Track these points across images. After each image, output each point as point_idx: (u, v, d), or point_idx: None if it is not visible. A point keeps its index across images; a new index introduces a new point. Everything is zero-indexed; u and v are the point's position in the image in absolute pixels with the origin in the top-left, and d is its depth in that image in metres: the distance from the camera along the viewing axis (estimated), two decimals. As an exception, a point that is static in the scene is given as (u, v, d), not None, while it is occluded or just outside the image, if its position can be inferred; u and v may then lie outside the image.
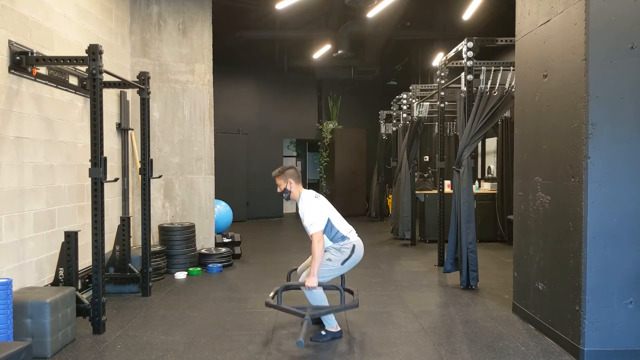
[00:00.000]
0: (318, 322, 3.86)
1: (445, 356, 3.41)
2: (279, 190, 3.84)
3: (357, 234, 3.86)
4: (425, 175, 9.42)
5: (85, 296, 4.13)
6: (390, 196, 10.43)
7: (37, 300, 3.38)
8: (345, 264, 3.71)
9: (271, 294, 3.77)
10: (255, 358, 3.38)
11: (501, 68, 5.32)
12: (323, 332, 3.72)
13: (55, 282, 3.92)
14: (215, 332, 3.90)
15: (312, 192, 3.85)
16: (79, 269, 4.12)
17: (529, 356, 3.39)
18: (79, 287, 4.25)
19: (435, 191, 7.46)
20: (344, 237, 3.73)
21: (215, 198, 6.90)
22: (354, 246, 3.73)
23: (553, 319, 3.66)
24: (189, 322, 4.15)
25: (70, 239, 3.92)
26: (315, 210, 3.67)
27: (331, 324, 3.74)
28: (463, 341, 3.72)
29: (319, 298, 3.67)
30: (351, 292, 3.90)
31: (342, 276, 3.95)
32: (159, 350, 3.52)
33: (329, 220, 3.71)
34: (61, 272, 3.91)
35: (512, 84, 4.99)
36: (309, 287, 3.55)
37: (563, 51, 3.52)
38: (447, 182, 6.91)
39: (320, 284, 3.60)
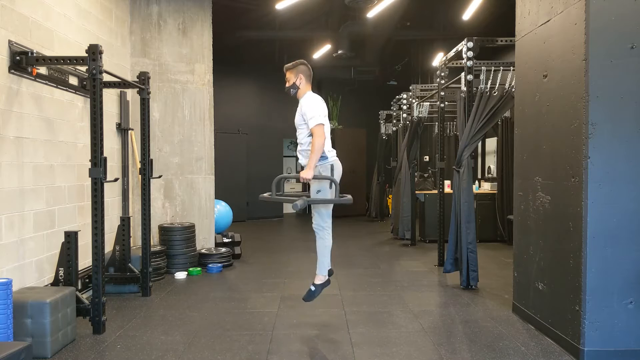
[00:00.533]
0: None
1: (445, 356, 3.41)
2: (287, 84, 3.73)
3: (335, 155, 3.84)
4: (425, 175, 9.42)
5: (85, 296, 4.13)
6: (390, 196, 10.43)
7: (37, 300, 3.38)
8: (332, 186, 3.69)
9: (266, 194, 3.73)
10: (255, 358, 3.38)
11: (501, 68, 5.32)
12: (312, 288, 3.73)
13: (55, 282, 3.92)
14: (215, 332, 3.90)
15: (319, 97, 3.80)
16: (79, 269, 4.12)
17: (529, 356, 3.39)
18: (79, 287, 4.24)
19: (435, 191, 7.46)
20: (324, 158, 3.69)
21: (215, 198, 6.90)
22: (332, 166, 3.70)
23: (553, 319, 3.66)
24: (189, 322, 4.15)
25: (70, 239, 3.92)
26: (320, 108, 3.63)
27: (322, 271, 3.75)
28: (463, 341, 3.72)
29: (325, 240, 3.72)
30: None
31: (334, 187, 3.86)
32: (159, 350, 3.52)
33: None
34: (61, 272, 3.91)
35: (512, 84, 4.99)
36: (304, 179, 3.53)
37: (563, 51, 3.52)
38: (447, 182, 6.91)
39: (320, 200, 3.60)
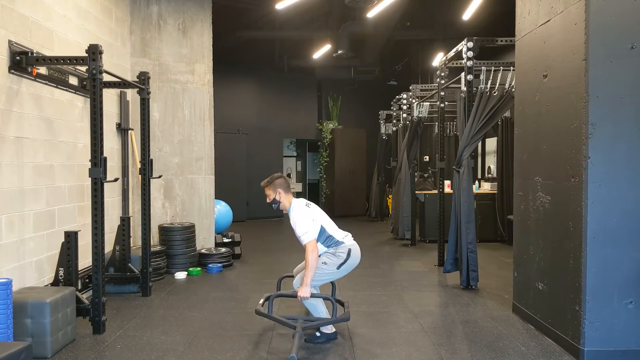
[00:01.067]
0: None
1: (445, 356, 3.40)
2: (268, 200, 3.77)
3: (353, 239, 3.79)
4: (425, 175, 9.42)
5: (85, 296, 4.13)
6: (390, 196, 10.43)
7: (37, 300, 3.38)
8: (342, 268, 3.67)
9: (261, 301, 3.73)
10: (255, 358, 3.38)
11: (501, 68, 5.32)
12: (318, 334, 3.70)
13: (55, 282, 3.92)
14: (215, 332, 3.90)
15: (302, 201, 3.78)
16: (79, 269, 4.12)
17: (529, 356, 3.39)
18: (79, 287, 4.24)
19: (435, 191, 7.46)
20: (338, 242, 3.68)
21: (215, 198, 6.90)
22: (349, 250, 3.67)
23: (553, 319, 3.66)
24: (189, 322, 4.15)
25: (70, 239, 3.92)
26: (307, 218, 3.60)
27: (327, 325, 3.72)
28: (463, 341, 3.72)
29: (317, 305, 3.66)
30: (342, 304, 3.83)
31: (332, 286, 3.92)
32: (159, 350, 3.52)
33: (322, 228, 3.65)
34: (61, 272, 3.91)
35: (512, 84, 4.99)
36: (302, 298, 3.51)
37: (563, 51, 3.52)
38: (447, 182, 6.91)
39: (313, 295, 3.55)
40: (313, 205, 3.80)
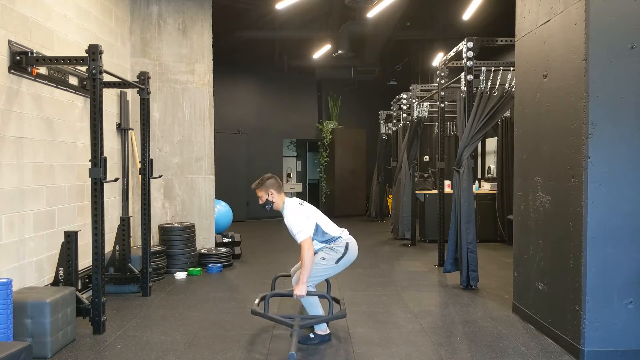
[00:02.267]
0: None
1: (445, 356, 3.40)
2: (260, 202, 3.75)
3: (349, 234, 3.79)
4: (425, 175, 9.42)
5: (85, 296, 4.13)
6: (390, 196, 10.43)
7: (37, 300, 3.38)
8: (340, 263, 3.66)
9: (257, 301, 3.72)
10: (255, 358, 3.38)
11: (501, 68, 5.32)
12: (312, 335, 3.69)
13: (55, 282, 3.92)
14: (215, 332, 3.90)
15: (295, 200, 3.78)
16: (79, 269, 4.12)
17: (528, 356, 3.39)
18: (79, 287, 4.24)
19: (435, 191, 7.46)
20: (335, 238, 3.68)
21: (215, 198, 6.90)
22: (347, 244, 3.67)
23: (553, 319, 3.66)
24: (189, 322, 4.15)
25: (70, 239, 3.92)
26: (301, 217, 3.60)
27: (321, 327, 3.71)
28: (463, 341, 3.72)
29: (314, 303, 3.66)
30: (337, 302, 3.83)
31: (327, 284, 3.92)
32: (159, 350, 3.52)
33: (317, 226, 3.64)
34: (61, 272, 3.91)
35: (512, 84, 4.99)
36: (298, 296, 3.50)
37: (563, 51, 3.52)
38: (447, 182, 6.91)
39: (309, 292, 3.55)
40: (307, 204, 3.80)
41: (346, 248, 3.67)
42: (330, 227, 3.72)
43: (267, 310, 3.53)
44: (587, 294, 3.24)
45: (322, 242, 3.66)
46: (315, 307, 3.68)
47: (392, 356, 3.42)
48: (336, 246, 3.66)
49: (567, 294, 3.45)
